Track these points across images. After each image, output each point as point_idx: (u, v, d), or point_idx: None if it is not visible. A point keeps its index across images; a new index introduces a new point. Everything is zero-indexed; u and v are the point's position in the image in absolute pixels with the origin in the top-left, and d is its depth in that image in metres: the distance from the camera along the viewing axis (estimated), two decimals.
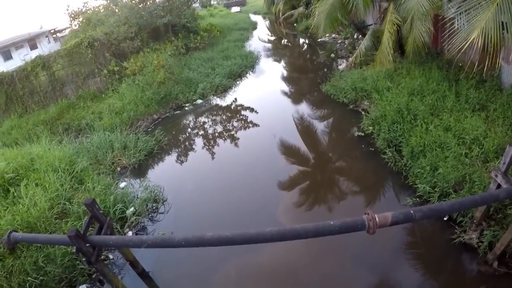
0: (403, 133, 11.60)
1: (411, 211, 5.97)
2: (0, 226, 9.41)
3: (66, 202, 10.70)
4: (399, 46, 15.12)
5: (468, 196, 8.00)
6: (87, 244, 7.11)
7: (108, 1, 29.26)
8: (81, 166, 12.48)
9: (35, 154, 12.66)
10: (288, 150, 14.01)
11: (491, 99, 11.28)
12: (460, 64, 12.71)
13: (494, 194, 6.58)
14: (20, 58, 32.00)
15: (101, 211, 7.83)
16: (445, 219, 8.95)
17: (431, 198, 9.34)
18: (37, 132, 18.12)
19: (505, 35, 8.98)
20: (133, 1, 28.31)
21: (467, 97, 11.46)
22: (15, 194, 10.68)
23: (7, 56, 33.43)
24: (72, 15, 30.54)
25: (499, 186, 7.03)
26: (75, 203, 10.69)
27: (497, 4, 8.32)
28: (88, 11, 30.56)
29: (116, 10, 28.78)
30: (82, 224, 9.30)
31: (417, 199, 9.71)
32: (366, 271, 8.38)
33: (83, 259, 7.33)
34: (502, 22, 8.49)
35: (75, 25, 31.11)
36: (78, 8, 30.85)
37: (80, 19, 30.00)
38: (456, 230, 8.47)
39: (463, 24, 8.92)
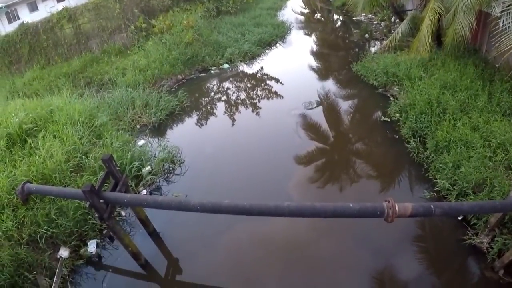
0: (430, 125, 11.34)
1: (431, 206, 5.92)
2: (15, 176, 9.60)
3: (83, 156, 10.82)
4: (437, 36, 14.60)
5: (488, 201, 7.84)
6: (101, 200, 7.19)
7: None
8: (100, 121, 12.56)
9: (55, 106, 12.76)
10: (309, 126, 13.88)
11: None
12: (497, 65, 12.25)
13: None
14: (46, 10, 31.78)
15: (117, 168, 7.89)
16: (459, 218, 8.86)
17: (448, 195, 9.23)
18: (59, 85, 18.34)
19: None
20: None
21: (499, 99, 11.07)
22: (32, 145, 10.83)
23: (33, 8, 33.12)
24: None
25: None
26: (91, 158, 10.81)
27: None
28: None
29: None
30: (97, 179, 9.43)
31: (435, 194, 9.62)
32: (371, 255, 8.46)
33: (96, 215, 7.45)
34: None
35: None
36: None
37: None
38: (468, 232, 8.39)
39: (509, 25, 8.54)
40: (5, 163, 10.15)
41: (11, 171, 9.79)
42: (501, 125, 10.00)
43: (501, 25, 9.25)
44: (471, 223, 8.52)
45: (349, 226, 8.88)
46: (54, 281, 8.25)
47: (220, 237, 9.21)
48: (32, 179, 9.51)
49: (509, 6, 8.98)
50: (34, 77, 20.22)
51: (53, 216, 8.94)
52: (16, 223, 8.69)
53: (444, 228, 8.95)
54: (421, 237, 8.82)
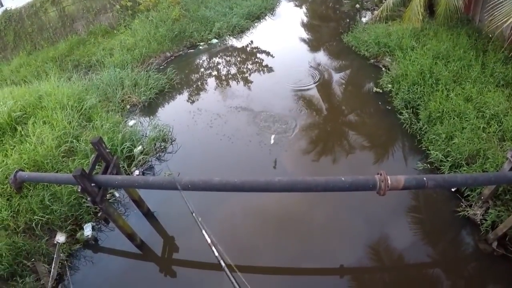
0: (423, 96, 11.31)
1: (424, 178, 5.94)
2: (7, 165, 9.52)
3: (74, 140, 10.72)
4: (429, 6, 14.37)
5: (482, 173, 7.89)
6: (92, 184, 7.13)
7: None
8: (89, 104, 12.40)
9: (43, 91, 12.58)
10: (301, 97, 13.80)
11: None
12: (490, 36, 12.11)
13: (509, 176, 6.47)
14: None
15: (108, 150, 7.78)
16: (452, 190, 8.92)
17: (442, 167, 9.29)
18: (46, 70, 17.94)
19: None
20: None
21: (493, 70, 11.00)
22: (22, 132, 10.70)
23: None
24: None
25: None
26: (82, 141, 10.71)
27: None
28: None
29: None
30: (89, 162, 9.34)
31: (428, 165, 9.69)
32: (365, 225, 8.59)
33: (88, 198, 7.40)
34: None
35: None
36: None
37: None
38: (462, 203, 8.47)
39: None
40: None
41: (3, 161, 9.69)
42: (495, 96, 9.97)
43: None
44: (465, 195, 8.62)
45: (342, 197, 8.88)
46: (52, 266, 8.29)
47: (215, 211, 9.27)
48: (24, 167, 9.43)
49: None
50: (21, 64, 19.76)
51: (48, 203, 8.90)
52: (11, 212, 8.67)
53: (438, 199, 9.04)
54: (414, 208, 8.92)
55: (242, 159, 11.09)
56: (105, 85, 14.59)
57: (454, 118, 9.90)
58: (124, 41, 18.51)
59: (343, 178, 5.90)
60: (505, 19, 8.26)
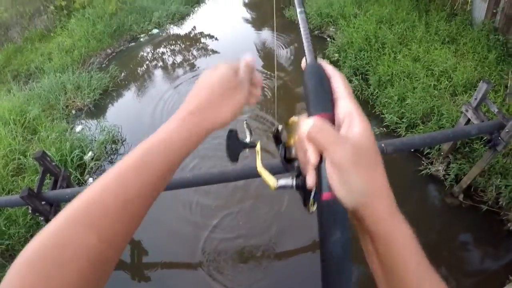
0: (370, 61, 11.28)
1: (382, 145, 5.87)
2: None
3: (21, 157, 10.06)
4: None
5: (440, 131, 7.94)
6: (43, 202, 6.68)
7: None
8: (32, 115, 11.64)
9: None
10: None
11: (461, 33, 11.02)
12: None
13: (466, 130, 6.52)
14: None
15: (53, 163, 7.28)
16: (411, 150, 9.01)
17: (398, 129, 9.35)
18: None
19: None
20: None
21: (437, 29, 11.16)
22: None
23: None
24: None
25: (468, 121, 6.99)
26: (30, 156, 9.98)
27: None
28: None
29: None
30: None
31: (384, 129, 9.71)
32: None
33: (41, 218, 6.93)
34: None
35: None
36: None
37: None
38: (423, 162, 8.57)
39: None
40: None
41: None
42: (442, 53, 10.11)
43: None
44: (425, 153, 8.70)
45: None
46: None
47: (176, 203, 9.01)
48: None
49: None
50: None
51: (4, 228, 8.34)
52: None
53: (398, 161, 9.06)
54: None
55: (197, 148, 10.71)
56: (46, 92, 13.69)
57: (404, 80, 9.96)
58: (62, 44, 17.44)
59: None
60: None
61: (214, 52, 16.25)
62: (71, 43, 17.31)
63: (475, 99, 6.52)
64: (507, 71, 9.50)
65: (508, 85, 9.13)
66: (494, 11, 10.91)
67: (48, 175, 7.25)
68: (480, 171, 7.32)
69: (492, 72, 9.69)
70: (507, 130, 6.06)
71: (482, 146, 7.93)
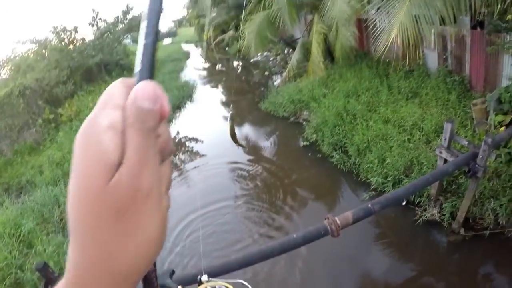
0: (346, 134, 11.87)
1: (369, 205, 6.03)
2: None
3: (18, 271, 9.86)
4: (329, 53, 15.58)
5: (420, 177, 8.19)
6: None
7: (37, 45, 27.24)
8: (27, 228, 11.55)
9: None
10: (242, 174, 13.51)
11: (421, 86, 12.02)
12: (388, 60, 13.30)
13: (444, 169, 6.81)
14: None
15: (55, 275, 7.18)
16: (403, 204, 9.16)
17: (385, 188, 9.58)
18: None
19: (419, 26, 9.43)
20: (63, 43, 27.03)
21: (399, 88, 12.06)
22: None
23: None
24: (0, 64, 27.72)
25: (445, 161, 7.35)
26: (27, 270, 9.85)
27: (409, 1, 8.72)
28: (17, 57, 27.96)
29: (46, 54, 26.96)
30: None
31: (373, 192, 9.89)
32: (343, 269, 8.29)
33: None
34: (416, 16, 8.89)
35: (4, 74, 27.98)
36: (6, 56, 27.89)
37: (9, 67, 27.54)
38: (417, 211, 8.70)
39: (385, 23, 9.25)
40: None
41: None
42: (408, 108, 10.84)
43: (378, 25, 9.97)
44: (416, 203, 8.91)
45: (309, 252, 8.52)
46: None
47: None
48: None
49: (378, 8, 9.68)
50: None
51: None
52: None
53: (396, 217, 9.23)
54: (380, 234, 8.98)
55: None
56: (40, 205, 13.70)
57: (380, 142, 10.44)
58: (52, 156, 17.85)
59: (294, 235, 5.88)
60: (387, 44, 8.94)
61: (200, 155, 16.32)
62: (61, 156, 17.63)
63: (445, 139, 6.90)
64: (469, 105, 10.08)
65: (474, 117, 9.65)
66: (444, 56, 11.88)
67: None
68: (471, 202, 7.52)
69: (456, 111, 10.40)
70: (481, 156, 6.40)
71: (466, 179, 8.09)
